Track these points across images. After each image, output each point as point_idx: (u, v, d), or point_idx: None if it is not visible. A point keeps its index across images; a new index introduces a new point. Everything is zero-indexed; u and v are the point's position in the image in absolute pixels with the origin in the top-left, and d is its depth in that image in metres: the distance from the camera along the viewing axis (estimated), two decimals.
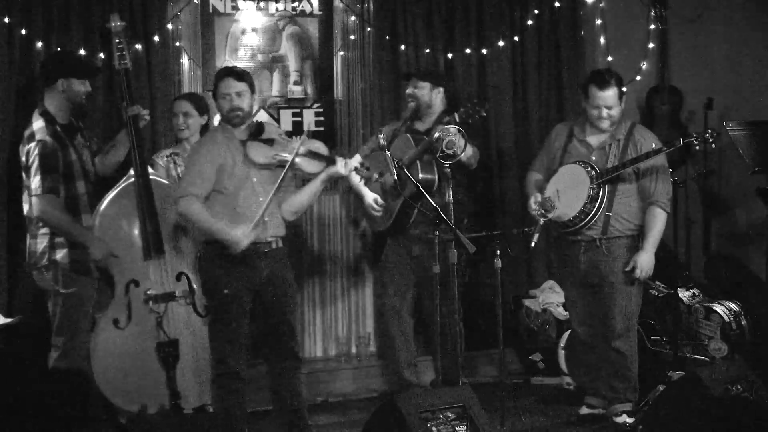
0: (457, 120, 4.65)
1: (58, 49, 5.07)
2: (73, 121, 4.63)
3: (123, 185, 4.60)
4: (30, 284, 4.88)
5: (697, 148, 4.73)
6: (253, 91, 4.42)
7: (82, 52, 5.10)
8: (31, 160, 4.42)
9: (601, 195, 4.74)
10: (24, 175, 4.51)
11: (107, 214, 4.56)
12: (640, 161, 4.71)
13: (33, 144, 4.42)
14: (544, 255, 5.93)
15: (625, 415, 4.89)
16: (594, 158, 4.82)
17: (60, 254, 4.47)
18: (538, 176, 5.02)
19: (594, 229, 4.78)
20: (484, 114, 4.80)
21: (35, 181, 4.40)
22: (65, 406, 3.99)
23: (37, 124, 4.47)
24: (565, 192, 4.80)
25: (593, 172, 4.75)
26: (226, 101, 4.34)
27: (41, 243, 4.49)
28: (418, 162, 4.91)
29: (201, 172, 4.32)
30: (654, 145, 4.77)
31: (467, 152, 4.83)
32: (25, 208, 4.53)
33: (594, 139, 4.87)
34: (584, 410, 5.03)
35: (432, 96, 5.08)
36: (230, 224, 4.27)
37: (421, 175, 4.88)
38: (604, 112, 4.77)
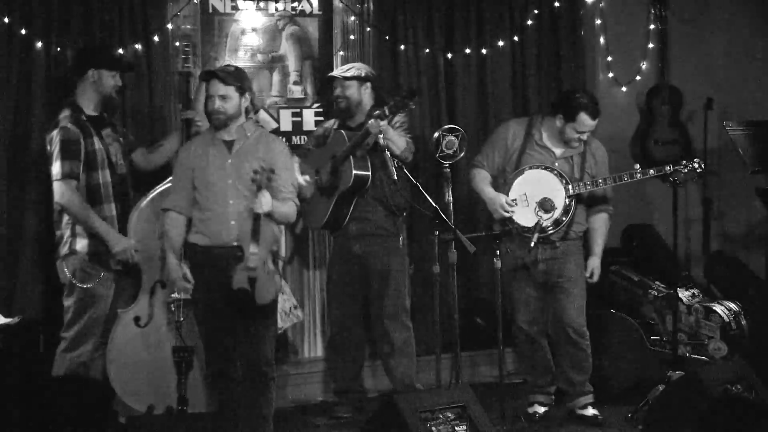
0: (387, 113, 4.69)
1: (53, 45, 5.07)
2: (104, 115, 4.70)
3: (168, 185, 4.62)
4: (33, 281, 4.95)
5: (683, 172, 4.89)
6: (242, 93, 4.38)
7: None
8: (53, 146, 4.48)
9: (573, 206, 4.85)
10: (50, 164, 4.56)
11: (146, 211, 4.61)
12: (623, 180, 4.87)
13: (56, 131, 4.49)
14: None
15: (590, 407, 5.06)
16: (557, 165, 4.89)
17: (80, 244, 4.51)
18: (488, 175, 5.03)
19: (557, 233, 4.89)
20: (413, 106, 4.92)
21: (56, 167, 4.46)
22: (64, 407, 3.98)
23: (64, 113, 4.55)
24: (535, 197, 4.85)
25: (567, 184, 4.83)
26: (209, 103, 4.35)
27: (65, 232, 4.53)
28: (351, 158, 4.90)
29: (179, 183, 4.42)
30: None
31: (399, 145, 4.87)
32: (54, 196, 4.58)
33: (557, 149, 4.95)
34: (539, 408, 5.13)
35: (360, 93, 5.10)
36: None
37: (354, 172, 4.87)
38: (585, 136, 4.88)
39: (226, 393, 4.41)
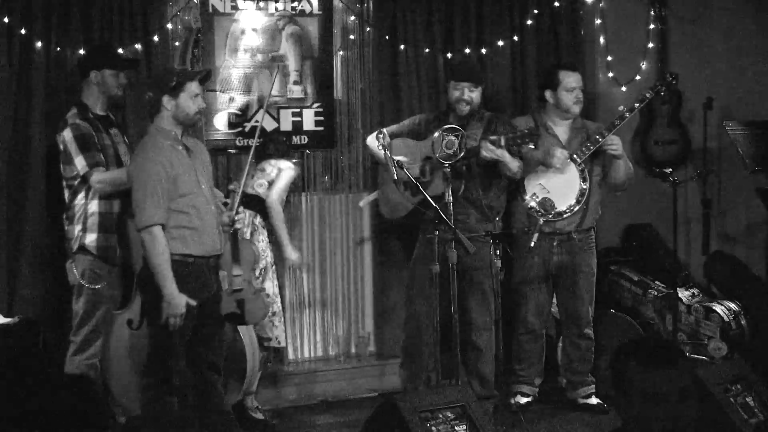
0: (502, 143, 4.66)
1: (52, 45, 5.07)
2: (111, 116, 4.73)
3: None
4: (33, 282, 4.96)
5: (662, 94, 5.27)
6: None
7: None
8: (67, 145, 4.50)
9: (588, 188, 4.98)
10: (61, 164, 4.58)
11: None
12: (616, 126, 4.99)
13: (66, 129, 4.52)
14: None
15: (594, 397, 5.18)
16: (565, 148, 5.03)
17: (89, 238, 4.53)
18: None
19: (572, 222, 5.01)
20: (532, 146, 4.82)
21: (78, 162, 4.48)
22: (63, 406, 3.98)
23: (71, 111, 4.59)
24: (553, 186, 4.99)
25: (580, 166, 4.96)
26: (195, 103, 4.14)
27: (76, 228, 4.55)
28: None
29: (158, 192, 4.00)
30: (598, 128, 5.09)
31: (512, 168, 4.81)
32: (66, 195, 4.59)
33: (561, 131, 5.10)
34: (521, 399, 5.22)
35: (478, 95, 4.95)
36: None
37: (447, 186, 4.67)
38: (579, 93, 5.04)
39: (162, 398, 4.18)
